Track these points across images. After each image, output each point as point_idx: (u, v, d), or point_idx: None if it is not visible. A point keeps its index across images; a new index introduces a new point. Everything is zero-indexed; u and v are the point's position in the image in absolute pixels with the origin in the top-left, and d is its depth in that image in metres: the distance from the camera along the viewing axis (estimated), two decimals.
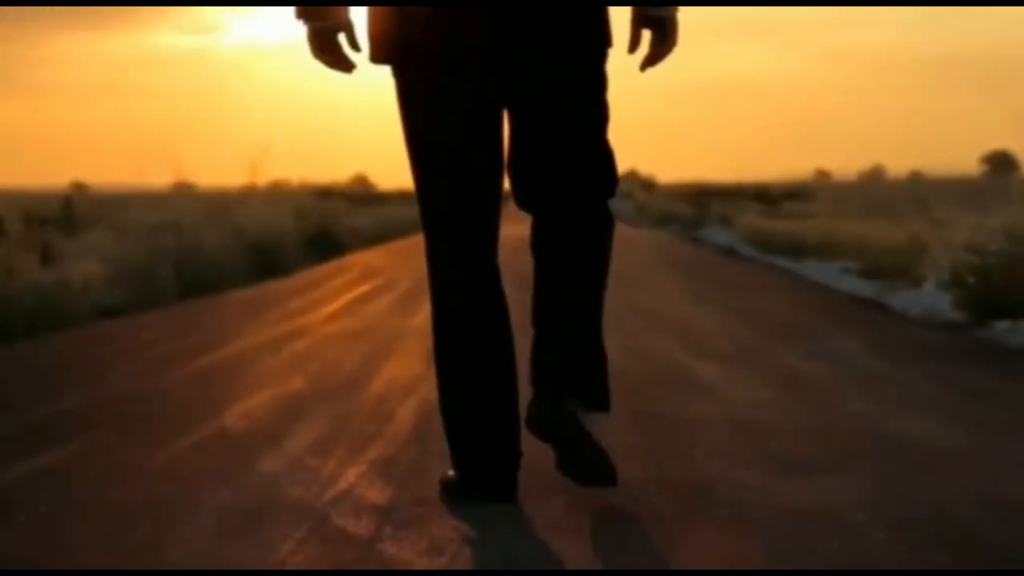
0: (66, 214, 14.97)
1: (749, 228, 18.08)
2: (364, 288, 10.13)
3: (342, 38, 3.10)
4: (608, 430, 4.01)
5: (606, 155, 3.10)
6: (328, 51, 3.10)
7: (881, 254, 11.30)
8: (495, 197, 3.13)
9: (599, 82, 3.06)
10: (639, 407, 4.50)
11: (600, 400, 3.19)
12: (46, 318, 7.54)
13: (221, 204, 18.30)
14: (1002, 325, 7.06)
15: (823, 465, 3.56)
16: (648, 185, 58.99)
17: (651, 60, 3.13)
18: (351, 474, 3.48)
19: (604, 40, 3.06)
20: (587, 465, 3.07)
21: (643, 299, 9.00)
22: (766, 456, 3.68)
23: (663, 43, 3.10)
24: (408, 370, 5.39)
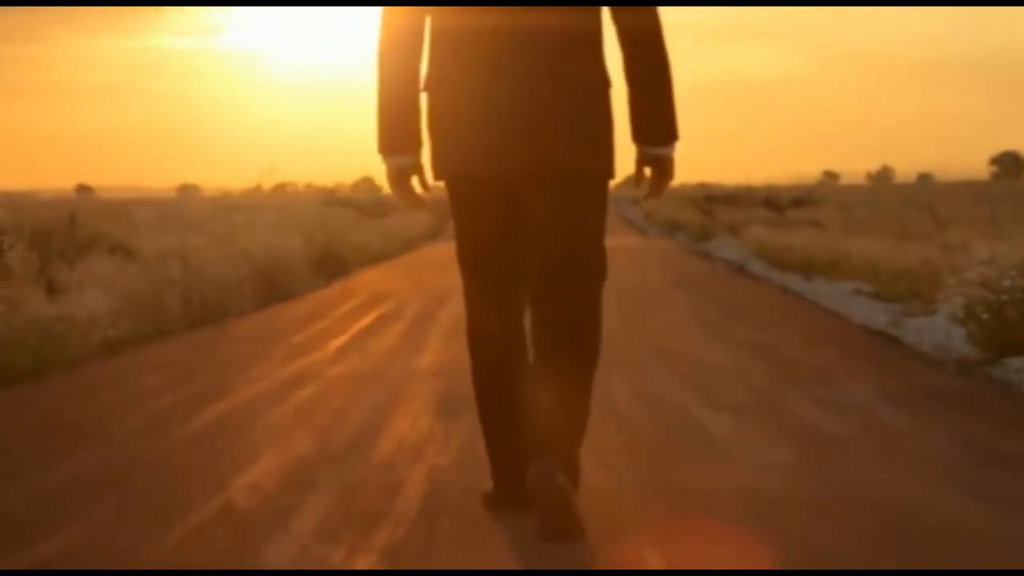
0: (70, 234, 14.87)
1: (759, 242, 17.99)
2: (371, 317, 10.05)
3: (415, 181, 3.76)
4: (615, 506, 3.95)
5: (601, 260, 3.74)
6: (401, 188, 3.76)
7: (893, 278, 11.22)
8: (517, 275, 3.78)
9: (602, 205, 3.72)
10: (648, 474, 4.42)
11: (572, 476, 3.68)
12: (51, 355, 7.46)
13: (226, 217, 18.27)
14: (1016, 363, 6.98)
15: (843, 553, 3.48)
16: None
17: (653, 193, 3.80)
18: (359, 564, 3.41)
19: (607, 172, 3.73)
20: (559, 532, 3.51)
21: (653, 329, 8.93)
22: (783, 541, 3.59)
23: (662, 178, 3.76)
24: (415, 428, 5.30)
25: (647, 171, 3.78)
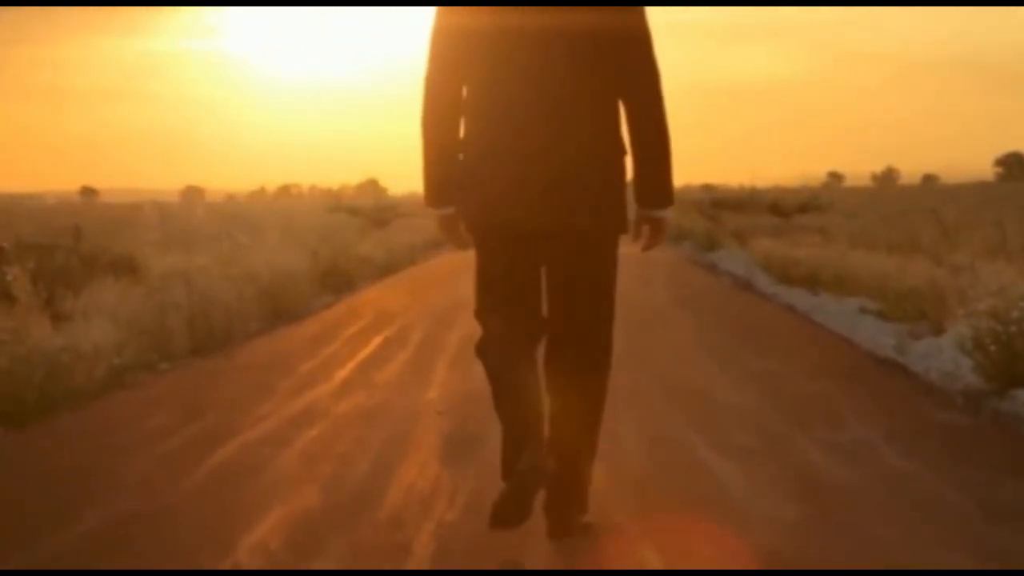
0: (76, 249, 14.85)
1: (765, 254, 17.97)
2: (377, 342, 10.03)
3: (460, 224, 4.20)
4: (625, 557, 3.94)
5: (610, 308, 4.23)
6: (448, 232, 4.24)
7: (899, 297, 11.18)
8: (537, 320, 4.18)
9: (614, 257, 4.19)
10: (655, 531, 4.39)
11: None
12: (57, 389, 7.44)
13: (231, 230, 18.24)
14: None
15: None
16: None
17: (647, 247, 4.25)
18: None
19: (621, 229, 4.18)
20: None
21: (660, 357, 8.89)
22: None
23: (657, 235, 4.25)
24: (423, 476, 5.28)
25: (645, 228, 4.24)
